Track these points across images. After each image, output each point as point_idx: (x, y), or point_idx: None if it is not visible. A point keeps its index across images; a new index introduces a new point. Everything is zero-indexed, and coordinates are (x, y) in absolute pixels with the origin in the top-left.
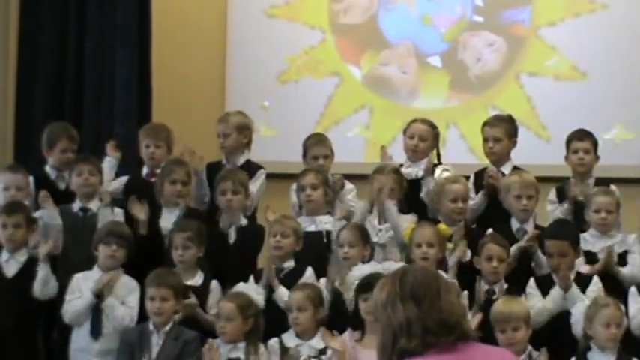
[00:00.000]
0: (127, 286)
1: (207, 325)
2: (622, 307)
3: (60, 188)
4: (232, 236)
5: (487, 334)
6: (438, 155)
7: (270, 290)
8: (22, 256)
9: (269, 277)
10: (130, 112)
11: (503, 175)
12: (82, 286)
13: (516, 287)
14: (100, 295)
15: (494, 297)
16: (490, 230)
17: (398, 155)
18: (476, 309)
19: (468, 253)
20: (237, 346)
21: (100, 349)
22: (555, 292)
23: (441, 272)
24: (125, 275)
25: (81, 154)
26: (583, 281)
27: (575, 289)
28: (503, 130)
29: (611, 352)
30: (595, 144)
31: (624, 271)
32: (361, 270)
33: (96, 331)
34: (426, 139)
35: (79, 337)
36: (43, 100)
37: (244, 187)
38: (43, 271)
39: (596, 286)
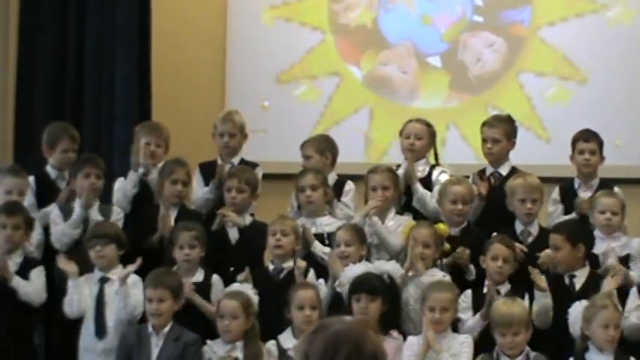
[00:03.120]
0: (130, 279)
1: (205, 310)
2: (621, 308)
3: (60, 188)
4: (235, 235)
5: (484, 334)
6: (436, 155)
7: (268, 290)
8: (17, 257)
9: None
10: (130, 112)
11: (501, 175)
12: (83, 288)
13: (519, 288)
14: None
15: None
16: (495, 233)
17: (398, 156)
18: (484, 311)
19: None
20: (236, 345)
21: (104, 348)
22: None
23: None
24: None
25: (85, 155)
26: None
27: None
28: (501, 131)
29: (609, 353)
30: (601, 144)
31: (632, 273)
32: (353, 270)
33: (100, 331)
34: (421, 137)
35: (86, 336)
36: (43, 100)
37: (251, 186)
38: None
39: (634, 296)
